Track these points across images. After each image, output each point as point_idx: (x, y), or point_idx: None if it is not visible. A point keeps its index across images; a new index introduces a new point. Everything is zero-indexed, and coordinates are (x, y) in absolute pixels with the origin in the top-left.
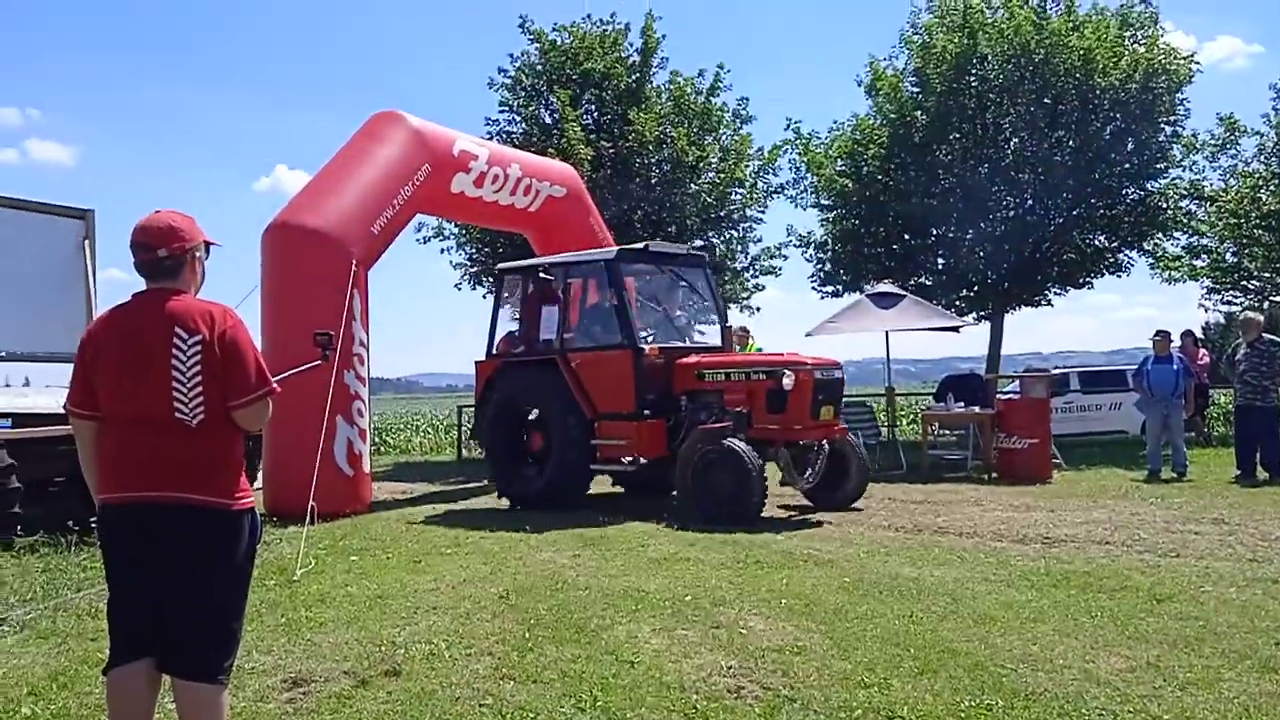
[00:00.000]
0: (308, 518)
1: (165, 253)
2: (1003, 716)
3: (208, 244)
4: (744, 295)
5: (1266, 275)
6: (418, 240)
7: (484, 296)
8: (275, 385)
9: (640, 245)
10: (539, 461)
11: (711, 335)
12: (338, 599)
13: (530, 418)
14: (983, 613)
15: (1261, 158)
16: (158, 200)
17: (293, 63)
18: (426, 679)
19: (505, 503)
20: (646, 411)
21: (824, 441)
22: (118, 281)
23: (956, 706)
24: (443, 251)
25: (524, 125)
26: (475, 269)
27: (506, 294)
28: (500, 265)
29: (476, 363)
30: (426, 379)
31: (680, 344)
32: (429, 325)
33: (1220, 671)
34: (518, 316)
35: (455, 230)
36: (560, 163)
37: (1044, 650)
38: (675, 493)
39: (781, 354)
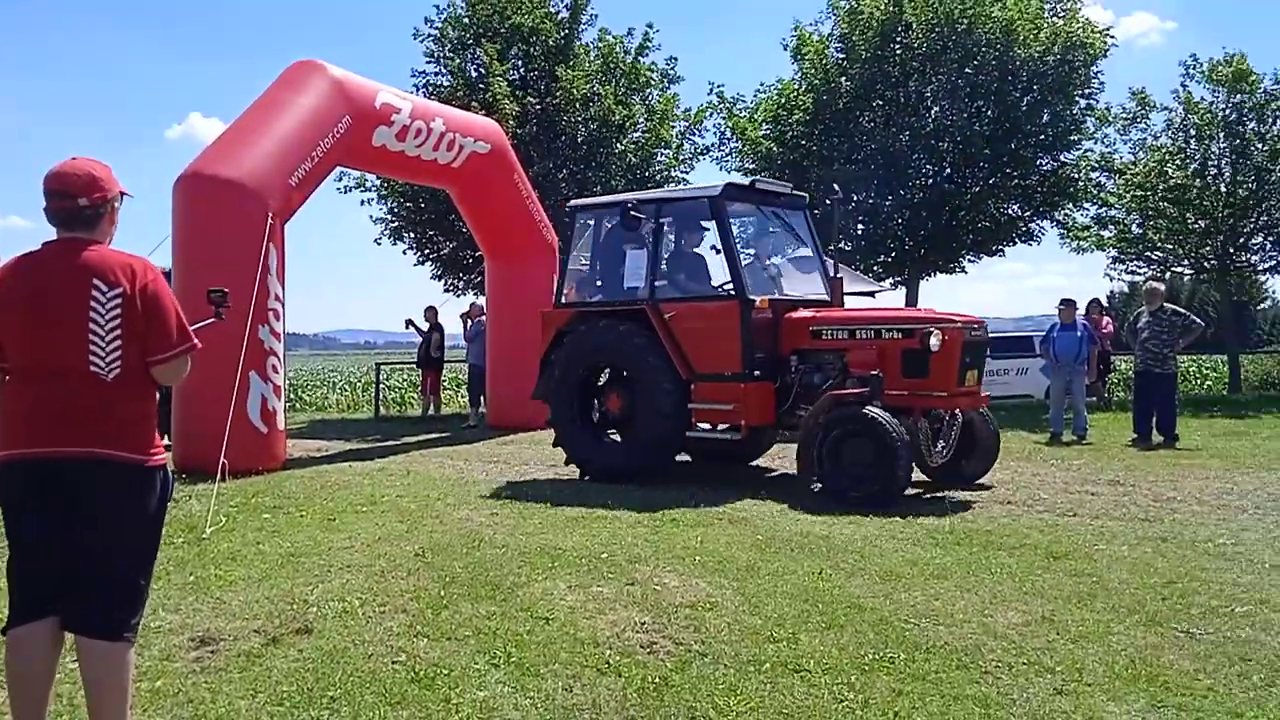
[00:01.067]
0: (219, 474)
1: (86, 202)
2: (904, 669)
3: (122, 194)
4: None
5: (1169, 246)
6: (338, 190)
7: (404, 253)
8: (197, 341)
9: (747, 181)
10: (617, 427)
11: (812, 286)
12: (248, 557)
13: (605, 377)
14: (889, 569)
15: (1170, 133)
16: (60, 147)
17: (209, 7)
18: (339, 637)
19: (424, 463)
20: (757, 372)
21: (958, 410)
22: (18, 229)
23: (861, 660)
24: (363, 203)
25: (450, 79)
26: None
27: (580, 234)
28: (574, 202)
29: (544, 313)
30: (345, 335)
31: (787, 296)
32: (348, 280)
33: (1110, 625)
34: (589, 261)
35: (377, 183)
36: (485, 119)
37: (945, 605)
38: (801, 471)
39: (915, 310)
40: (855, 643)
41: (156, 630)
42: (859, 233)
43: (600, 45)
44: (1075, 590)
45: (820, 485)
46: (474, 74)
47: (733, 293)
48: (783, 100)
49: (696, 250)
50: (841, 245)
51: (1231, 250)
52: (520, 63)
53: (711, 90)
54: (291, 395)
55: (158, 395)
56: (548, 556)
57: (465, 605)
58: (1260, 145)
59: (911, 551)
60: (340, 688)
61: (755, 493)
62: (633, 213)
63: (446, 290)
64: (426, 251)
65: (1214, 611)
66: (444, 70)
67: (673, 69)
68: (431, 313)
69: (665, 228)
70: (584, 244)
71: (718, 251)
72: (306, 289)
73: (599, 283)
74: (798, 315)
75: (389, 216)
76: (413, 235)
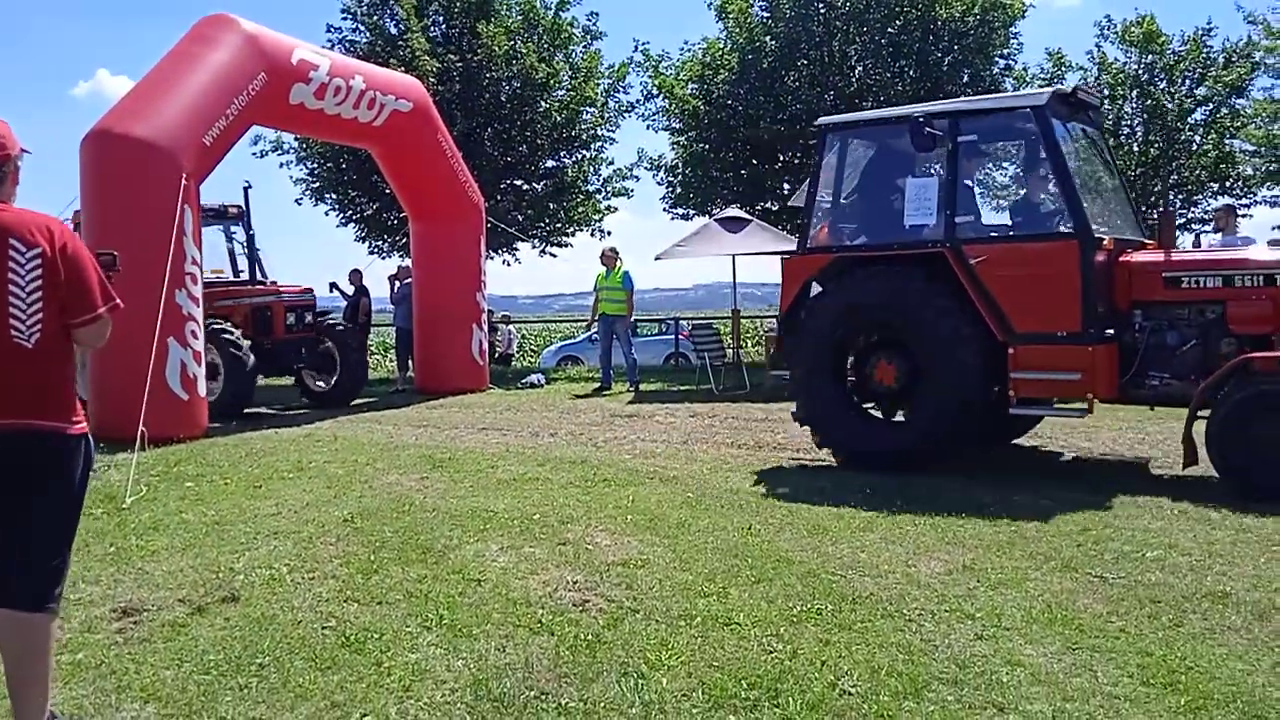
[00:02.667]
0: (138, 443)
1: None
2: (831, 619)
3: (23, 151)
4: (595, 217)
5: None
6: (254, 154)
7: (326, 214)
8: (119, 301)
9: (1069, 88)
10: (892, 402)
11: (1126, 224)
12: (171, 526)
13: (871, 339)
14: (816, 523)
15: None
16: None
17: None
18: (266, 604)
19: (352, 428)
20: (1109, 331)
21: None
22: None
23: (789, 611)
24: (281, 166)
25: (368, 35)
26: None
27: (835, 161)
28: (824, 120)
29: (785, 261)
30: None
31: (1121, 236)
32: (270, 244)
33: (1028, 572)
34: (849, 194)
35: (295, 144)
36: (406, 76)
37: (871, 557)
38: (1187, 456)
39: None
40: (783, 595)
41: (77, 602)
42: (785, 192)
43: (520, 1)
44: (995, 539)
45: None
46: (392, 30)
47: (1069, 230)
48: (708, 60)
49: (1020, 175)
50: (768, 205)
51: (1144, 208)
52: (440, 19)
53: (636, 47)
54: None
55: (77, 361)
56: (479, 519)
57: (396, 569)
58: (1170, 104)
59: (838, 506)
60: (269, 654)
61: (687, 453)
62: (929, 130)
63: (371, 252)
64: (349, 213)
65: (1125, 556)
66: (361, 26)
67: (594, 25)
68: (356, 275)
69: (966, 149)
70: (842, 173)
71: (1041, 177)
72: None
73: (866, 221)
74: (1141, 258)
75: (309, 178)
76: (334, 196)
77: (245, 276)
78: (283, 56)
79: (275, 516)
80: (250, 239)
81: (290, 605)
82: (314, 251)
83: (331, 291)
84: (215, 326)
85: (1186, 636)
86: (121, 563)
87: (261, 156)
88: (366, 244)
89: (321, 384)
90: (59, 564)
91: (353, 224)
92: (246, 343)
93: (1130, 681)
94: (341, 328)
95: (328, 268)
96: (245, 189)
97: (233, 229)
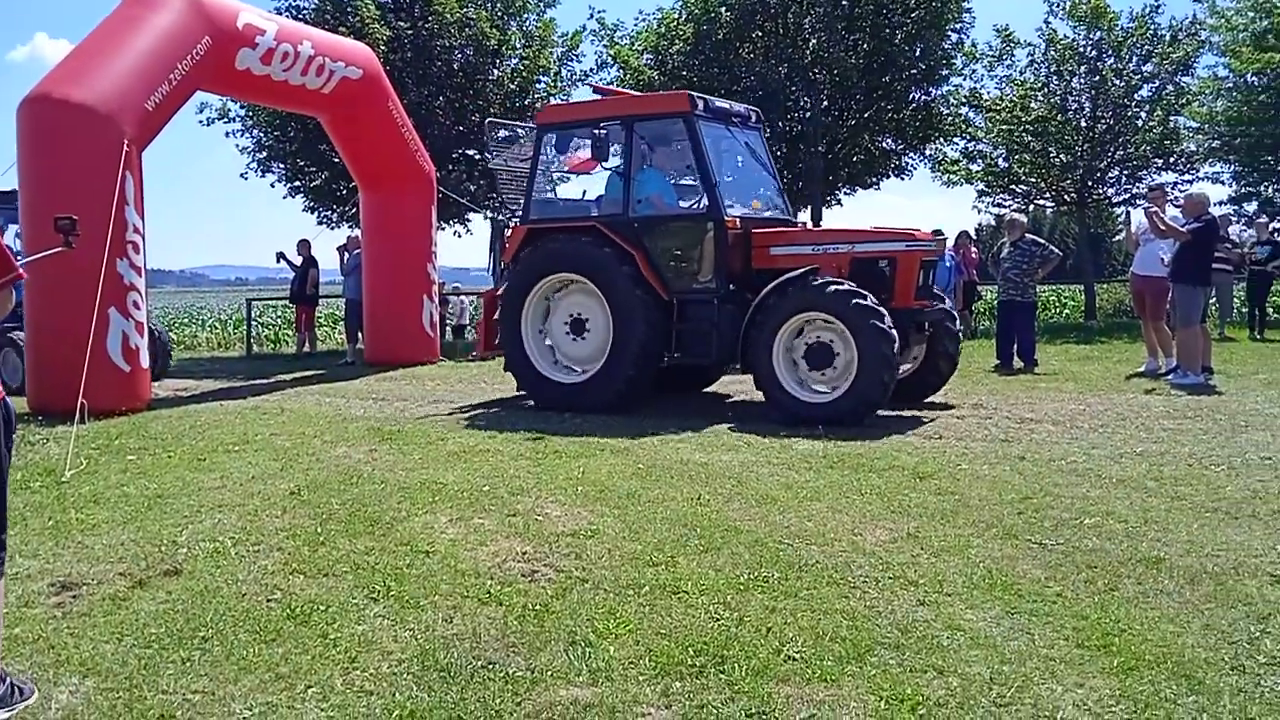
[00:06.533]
0: (78, 415)
1: None
2: (778, 587)
3: None
4: None
5: (1033, 180)
6: (200, 123)
7: (273, 185)
8: (21, 270)
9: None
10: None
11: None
12: (112, 500)
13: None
14: (764, 493)
15: (1032, 68)
16: None
17: None
18: (210, 577)
19: (299, 400)
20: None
21: None
22: None
23: (736, 580)
24: (228, 135)
25: (315, 1)
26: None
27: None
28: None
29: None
30: (214, 271)
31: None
32: (216, 214)
33: (970, 539)
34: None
35: (241, 112)
36: (356, 43)
37: (818, 526)
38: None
39: None
40: (731, 564)
41: (14, 576)
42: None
43: None
44: (939, 508)
45: None
46: None
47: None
48: (663, 30)
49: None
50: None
51: (1089, 184)
52: None
53: (592, 15)
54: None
55: None
56: (428, 491)
57: (343, 541)
58: (1117, 81)
59: (786, 476)
60: (212, 627)
61: (639, 423)
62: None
63: (320, 223)
64: (297, 183)
65: (1064, 524)
66: None
67: None
68: (304, 246)
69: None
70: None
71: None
72: (172, 223)
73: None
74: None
75: (255, 147)
76: (282, 166)
77: None
78: (228, 20)
79: (219, 489)
80: None
81: (234, 578)
82: (263, 223)
83: (279, 262)
84: None
85: (1121, 600)
86: (61, 536)
87: (208, 125)
88: (315, 214)
89: None
90: None
91: (301, 194)
92: None
93: (1066, 644)
94: None
95: (278, 239)
96: None
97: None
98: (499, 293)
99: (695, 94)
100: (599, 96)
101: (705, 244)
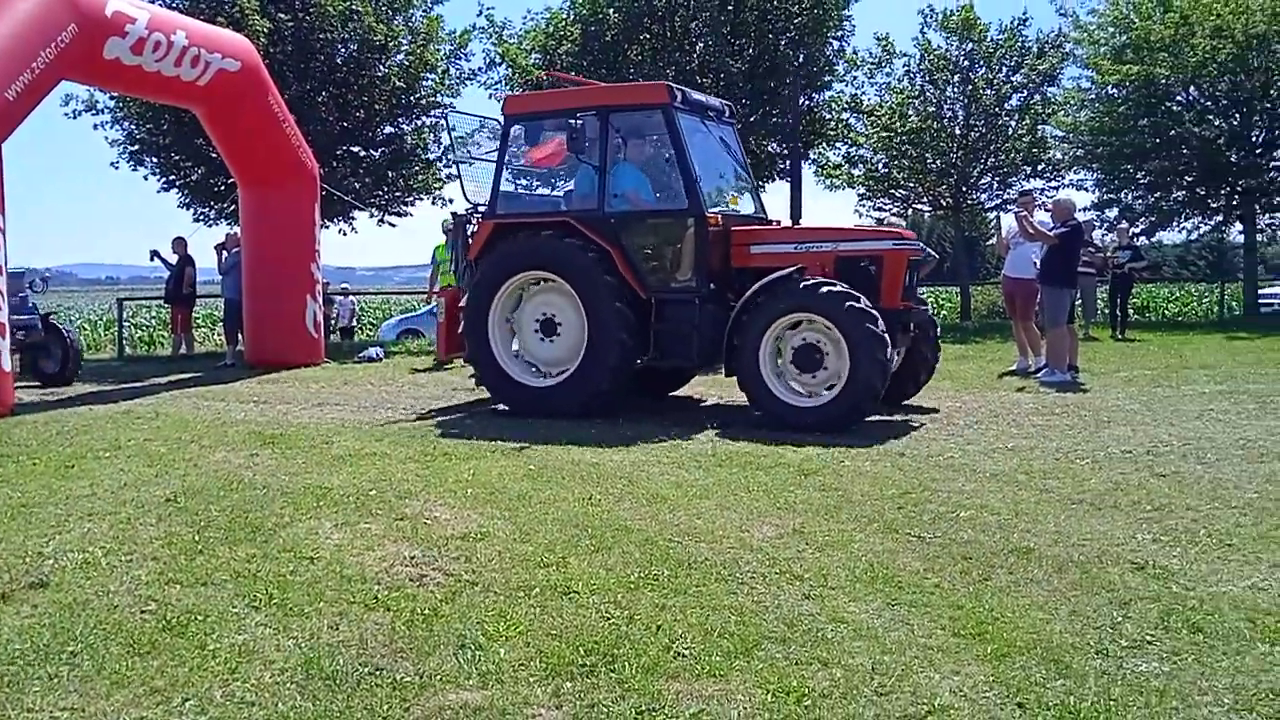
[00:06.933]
0: None
1: None
2: (668, 584)
3: None
4: (435, 185)
5: (911, 185)
6: (66, 115)
7: (145, 179)
8: None
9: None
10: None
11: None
12: None
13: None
14: (655, 492)
15: (909, 77)
16: None
17: None
18: (80, 589)
19: (176, 404)
20: None
21: None
22: None
23: (627, 579)
24: (96, 127)
25: None
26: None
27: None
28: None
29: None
30: (83, 270)
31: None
32: (86, 211)
33: (853, 534)
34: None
35: (111, 104)
36: (234, 34)
37: (707, 523)
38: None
39: None
40: (622, 563)
41: None
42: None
43: None
44: (823, 504)
45: None
46: None
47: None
48: (551, 30)
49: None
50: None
51: (964, 189)
52: None
53: (481, 12)
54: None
55: None
56: (313, 496)
57: (222, 549)
58: (989, 90)
59: (676, 474)
60: (81, 641)
61: (530, 424)
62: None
63: (196, 220)
64: (171, 177)
65: (942, 517)
66: None
67: None
68: (180, 244)
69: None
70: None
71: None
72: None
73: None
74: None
75: (126, 139)
76: (155, 160)
77: None
78: (96, 7)
79: (90, 498)
80: None
81: (106, 590)
82: (136, 220)
83: (153, 260)
84: None
85: (994, 590)
86: None
87: (75, 117)
88: (191, 211)
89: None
90: None
91: (175, 189)
92: None
93: (943, 633)
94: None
95: (152, 237)
96: None
97: None
98: (462, 292)
99: (673, 85)
100: (559, 86)
101: (685, 241)
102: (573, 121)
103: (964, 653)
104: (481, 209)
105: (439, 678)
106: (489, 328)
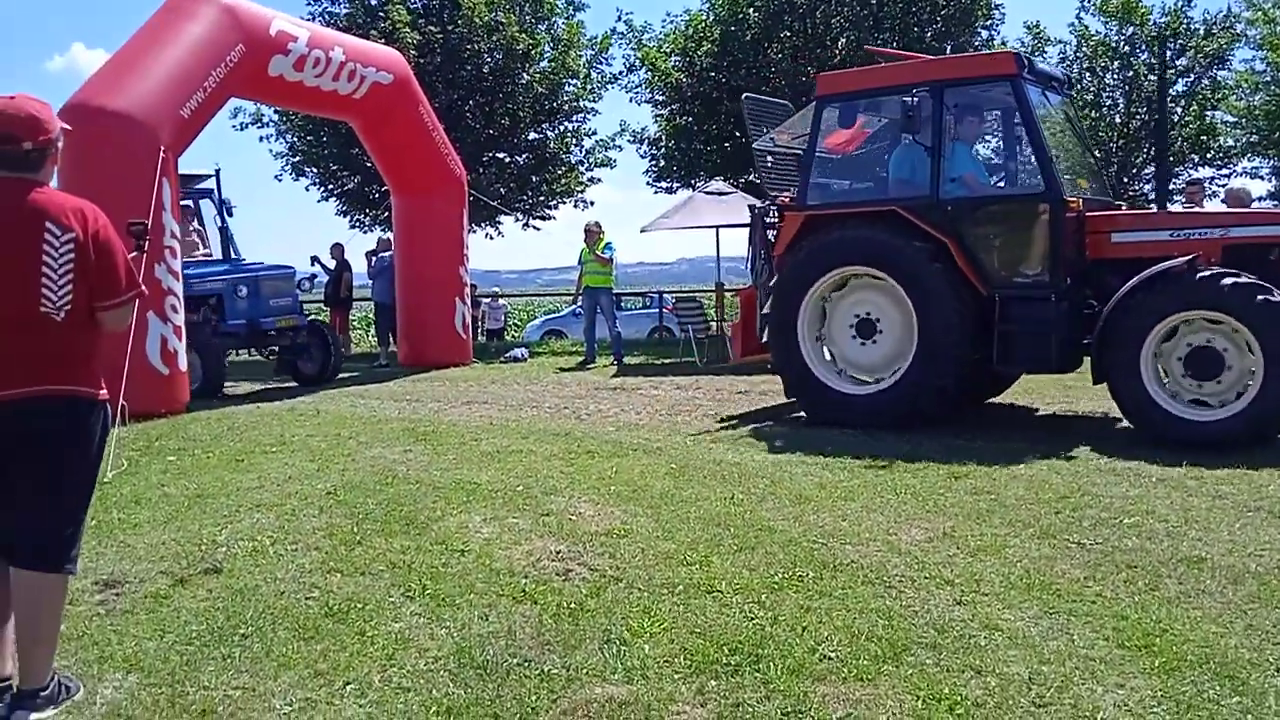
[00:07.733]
0: (118, 417)
1: (31, 145)
2: (813, 586)
3: (62, 129)
4: (578, 189)
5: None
6: (234, 127)
7: (307, 189)
8: (143, 288)
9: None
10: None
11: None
12: (153, 500)
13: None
14: (798, 493)
15: (1065, 65)
16: None
17: None
18: (250, 575)
19: (334, 402)
20: None
21: None
22: None
23: (771, 579)
24: (261, 139)
25: (348, 6)
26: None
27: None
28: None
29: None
30: None
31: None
32: (251, 219)
33: (1007, 539)
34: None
35: (275, 117)
36: (387, 48)
37: (852, 525)
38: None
39: None
40: (765, 563)
41: None
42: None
43: None
44: (975, 507)
45: None
46: (372, 2)
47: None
48: (690, 32)
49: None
50: (751, 178)
51: (1125, 180)
52: None
53: (620, 18)
54: None
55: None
56: (462, 491)
57: (379, 540)
58: (1151, 77)
59: (821, 475)
60: (252, 625)
61: (671, 424)
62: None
63: (353, 227)
64: (330, 187)
65: (1103, 523)
66: None
67: None
68: (338, 250)
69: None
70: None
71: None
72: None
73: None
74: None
75: (289, 152)
76: (316, 170)
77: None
78: (261, 28)
79: (258, 489)
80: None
81: (273, 576)
82: (296, 227)
83: (313, 266)
84: None
85: (1162, 600)
86: (103, 536)
87: (241, 129)
88: (348, 218)
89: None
90: (79, 525)
91: (334, 198)
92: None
93: (1106, 644)
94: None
95: (312, 243)
96: (216, 172)
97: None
98: (771, 287)
99: (1019, 52)
100: (886, 63)
101: (1038, 230)
102: (906, 100)
103: (1129, 665)
104: (784, 199)
105: (585, 671)
106: (799, 330)
